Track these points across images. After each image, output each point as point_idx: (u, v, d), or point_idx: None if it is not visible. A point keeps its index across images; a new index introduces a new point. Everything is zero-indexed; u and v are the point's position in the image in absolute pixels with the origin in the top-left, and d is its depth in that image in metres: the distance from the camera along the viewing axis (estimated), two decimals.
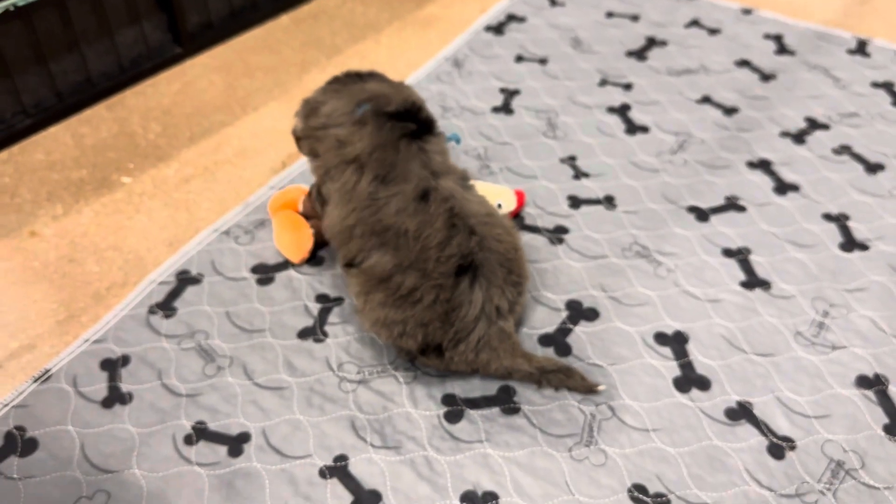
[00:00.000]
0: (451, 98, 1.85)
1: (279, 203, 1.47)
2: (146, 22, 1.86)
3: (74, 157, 1.67)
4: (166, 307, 1.34)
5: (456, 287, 1.11)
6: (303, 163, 1.65)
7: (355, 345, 1.28)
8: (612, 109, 1.83)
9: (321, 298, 1.35)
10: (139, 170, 1.64)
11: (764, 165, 1.66)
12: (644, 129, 1.76)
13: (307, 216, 1.45)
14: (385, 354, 1.26)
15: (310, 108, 1.30)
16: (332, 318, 1.33)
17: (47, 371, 1.23)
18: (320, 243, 1.44)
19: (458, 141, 1.58)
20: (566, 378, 1.17)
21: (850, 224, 1.52)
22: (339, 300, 1.35)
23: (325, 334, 1.30)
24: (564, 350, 1.27)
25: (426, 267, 1.11)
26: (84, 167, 1.64)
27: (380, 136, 1.20)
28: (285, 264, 1.42)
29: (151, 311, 1.34)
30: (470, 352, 1.14)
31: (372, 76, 1.33)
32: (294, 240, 1.41)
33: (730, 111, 1.82)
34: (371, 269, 1.15)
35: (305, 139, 1.31)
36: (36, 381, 1.21)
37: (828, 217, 1.53)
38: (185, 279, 1.39)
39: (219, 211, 1.55)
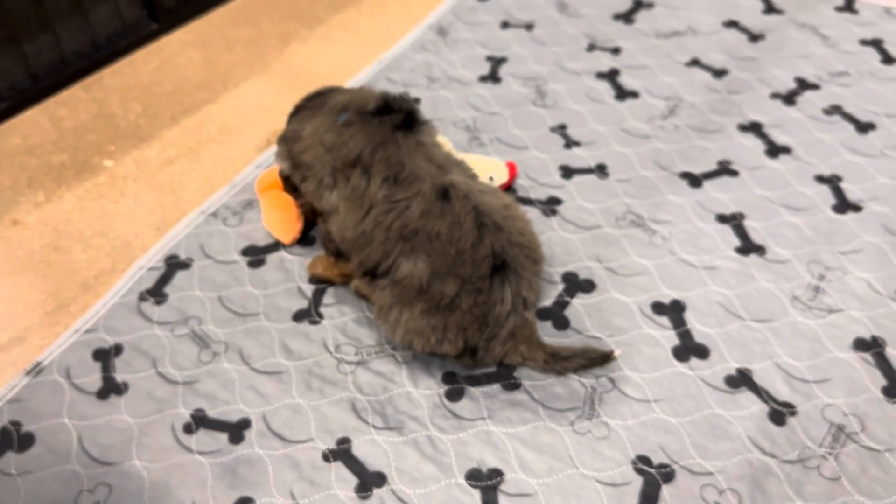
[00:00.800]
0: (438, 68, 1.82)
1: (266, 183, 1.44)
2: None
3: (53, 141, 1.62)
4: (157, 293, 1.32)
5: (491, 287, 1.10)
6: None
7: (351, 325, 1.27)
8: (601, 75, 1.80)
9: (316, 277, 1.34)
10: (121, 152, 1.60)
11: (755, 128, 1.65)
12: (634, 95, 1.74)
13: (293, 195, 1.43)
14: (382, 334, 1.25)
15: (290, 140, 1.26)
16: (327, 298, 1.31)
17: (39, 364, 1.21)
18: (310, 222, 1.42)
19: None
20: (582, 359, 1.16)
21: (843, 185, 1.51)
22: (332, 281, 1.33)
23: (321, 316, 1.28)
24: (562, 323, 1.27)
25: (463, 271, 1.09)
26: (64, 151, 1.60)
27: (373, 133, 1.16)
28: (276, 245, 1.40)
29: (142, 297, 1.31)
30: (499, 346, 1.13)
31: (332, 90, 1.29)
32: (284, 220, 1.38)
33: (719, 73, 1.80)
34: (406, 280, 1.11)
35: (295, 169, 1.26)
36: (28, 374, 1.19)
37: (820, 179, 1.53)
38: (174, 264, 1.37)
39: (205, 192, 1.52)
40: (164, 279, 1.34)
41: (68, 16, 1.71)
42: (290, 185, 1.36)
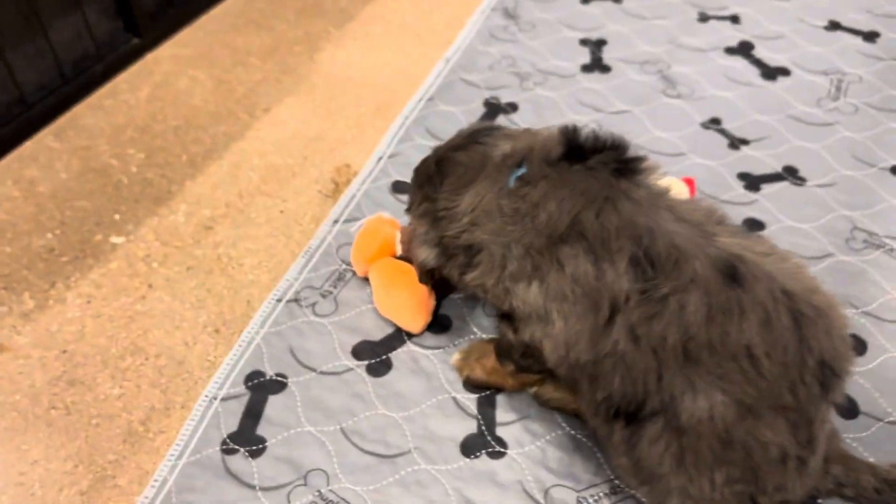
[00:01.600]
0: (524, 61, 1.40)
1: (370, 249, 1.00)
2: (88, 7, 1.32)
3: (30, 216, 1.14)
4: (248, 438, 0.87)
5: (816, 417, 0.69)
6: (366, 175, 1.18)
7: (554, 452, 0.85)
8: (730, 50, 1.42)
9: (473, 383, 0.91)
10: (132, 221, 1.13)
11: None
12: (784, 72, 1.36)
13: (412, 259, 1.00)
14: (606, 464, 0.84)
15: (437, 219, 0.84)
16: (503, 411, 0.89)
17: None
18: (440, 296, 0.99)
19: None
20: None
21: None
22: (502, 388, 0.90)
23: (503, 443, 0.86)
24: (849, 409, 0.88)
25: (789, 400, 0.68)
26: (48, 228, 1.12)
27: (586, 186, 0.74)
28: (399, 335, 0.97)
29: (226, 448, 0.86)
30: (808, 479, 0.72)
31: (480, 133, 0.85)
32: (409, 300, 0.95)
33: (870, 36, 1.44)
34: (699, 427, 0.69)
35: (451, 259, 0.84)
36: None
37: None
38: (260, 385, 0.92)
39: (271, 268, 1.07)
40: (253, 412, 0.89)
41: (21, 38, 1.22)
42: (431, 277, 0.92)
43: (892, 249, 1.06)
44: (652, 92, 1.33)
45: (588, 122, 1.26)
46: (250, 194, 1.18)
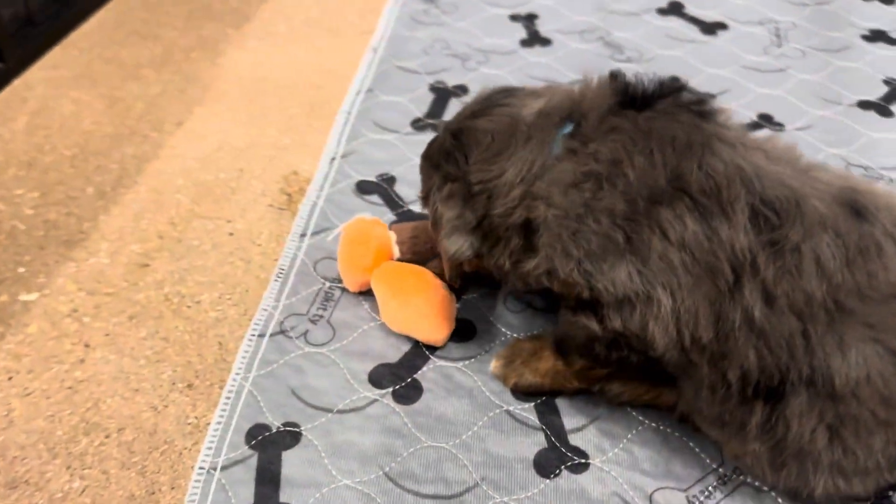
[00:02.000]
0: (458, 42, 1.28)
1: (365, 258, 0.84)
2: None
3: None
4: None
5: None
6: (321, 180, 1.01)
7: (644, 451, 0.72)
8: (662, 11, 1.37)
9: (524, 389, 0.77)
10: (43, 272, 0.90)
11: (881, 35, 1.31)
12: (722, 26, 1.33)
13: (418, 259, 0.85)
14: (717, 457, 0.72)
15: (472, 197, 0.69)
16: (568, 416, 0.75)
17: None
18: (459, 296, 0.85)
19: None
20: None
21: None
22: (561, 389, 0.77)
23: (581, 452, 0.73)
24: None
25: None
26: None
27: (673, 132, 0.62)
28: (420, 352, 0.81)
29: None
30: None
31: (498, 96, 0.72)
32: (429, 308, 0.80)
33: None
34: (857, 390, 0.58)
35: (496, 246, 0.70)
36: None
37: None
38: (266, 441, 0.73)
39: (237, 300, 0.88)
40: (268, 477, 0.70)
41: None
42: (461, 273, 0.76)
43: (891, 180, 1.02)
44: (600, 59, 1.25)
45: None
46: (184, 219, 0.97)
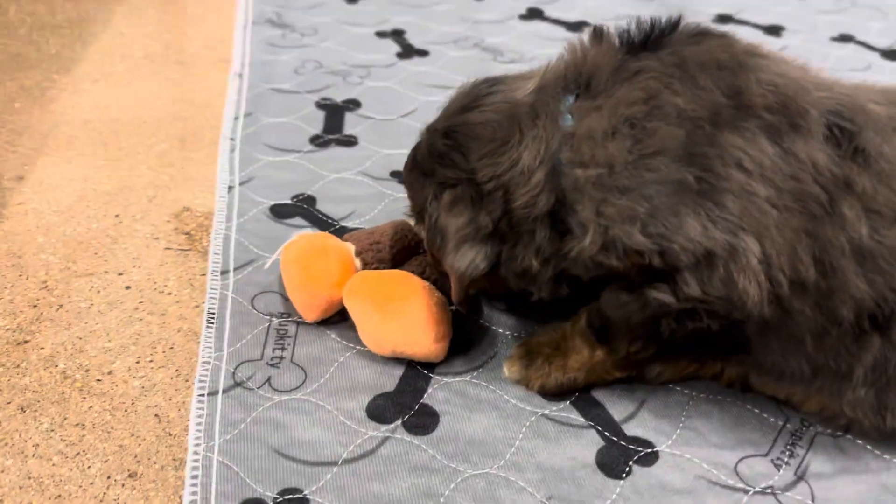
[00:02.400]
0: (331, 60, 1.18)
1: (330, 274, 0.69)
2: None
3: None
4: None
5: None
6: (224, 212, 0.84)
7: (707, 424, 0.63)
8: (523, 17, 1.36)
9: (552, 391, 0.66)
10: None
11: (726, 18, 1.38)
12: (586, 24, 1.34)
13: (386, 267, 0.71)
14: (779, 413, 0.64)
15: (483, 197, 0.59)
16: (613, 406, 0.65)
17: None
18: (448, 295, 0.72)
19: None
20: None
21: None
22: (602, 379, 0.66)
23: (644, 442, 0.62)
24: None
25: None
26: None
27: (701, 58, 0.54)
28: (418, 373, 0.67)
29: None
30: None
31: (474, 100, 0.62)
32: (422, 316, 0.66)
33: None
34: None
35: (517, 245, 0.60)
36: None
37: None
38: None
39: (163, 361, 0.68)
40: None
41: None
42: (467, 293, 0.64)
43: None
44: (483, 62, 1.20)
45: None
46: (60, 281, 0.76)
